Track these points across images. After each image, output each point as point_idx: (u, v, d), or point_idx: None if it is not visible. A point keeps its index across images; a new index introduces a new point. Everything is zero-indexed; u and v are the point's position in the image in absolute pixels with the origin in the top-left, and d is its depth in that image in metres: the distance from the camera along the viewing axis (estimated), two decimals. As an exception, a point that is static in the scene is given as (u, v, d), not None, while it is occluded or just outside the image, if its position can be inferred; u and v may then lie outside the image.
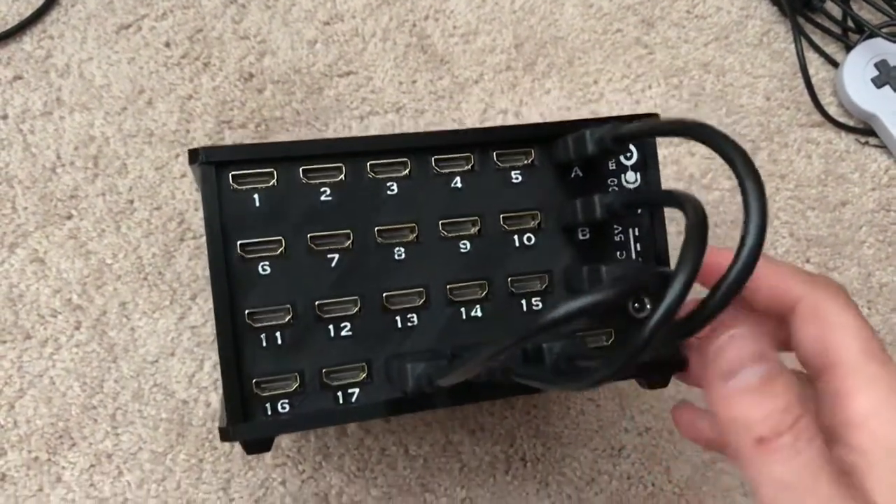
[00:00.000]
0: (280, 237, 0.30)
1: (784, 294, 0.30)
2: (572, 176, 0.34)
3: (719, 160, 0.52)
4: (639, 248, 0.34)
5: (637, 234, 0.34)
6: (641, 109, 0.53)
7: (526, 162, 0.33)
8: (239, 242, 0.30)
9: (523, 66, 0.52)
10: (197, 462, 0.43)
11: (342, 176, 0.31)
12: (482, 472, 0.45)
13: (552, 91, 0.52)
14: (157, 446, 0.42)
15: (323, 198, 0.31)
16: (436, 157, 0.32)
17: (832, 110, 0.55)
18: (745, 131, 0.54)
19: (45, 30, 0.47)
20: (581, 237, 0.34)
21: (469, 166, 0.33)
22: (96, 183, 0.45)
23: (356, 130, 0.49)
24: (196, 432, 0.43)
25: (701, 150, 0.53)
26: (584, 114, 0.52)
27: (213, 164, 0.29)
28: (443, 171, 0.32)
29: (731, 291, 0.22)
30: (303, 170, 0.31)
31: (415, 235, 0.32)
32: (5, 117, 0.45)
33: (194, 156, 0.29)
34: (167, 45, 0.47)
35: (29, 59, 0.46)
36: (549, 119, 0.51)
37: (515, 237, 0.33)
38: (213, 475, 0.42)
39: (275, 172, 0.30)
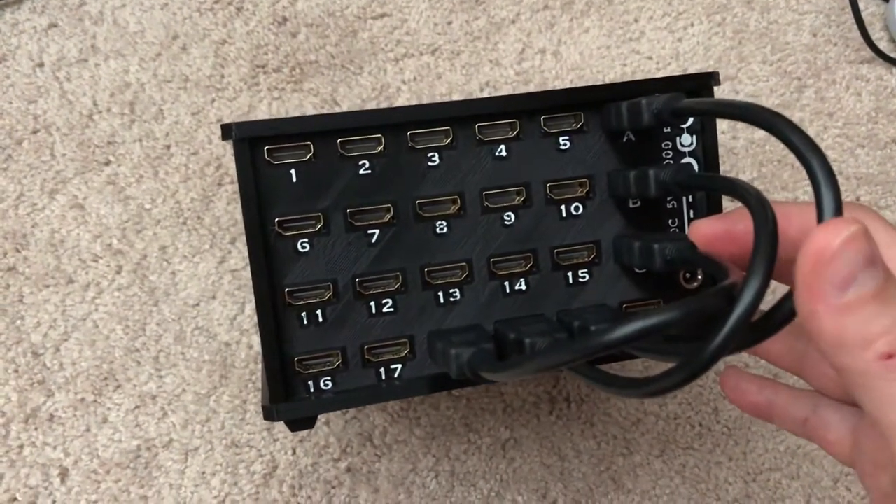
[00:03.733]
0: (318, 213, 0.29)
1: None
2: (624, 140, 0.32)
3: (765, 99, 0.51)
4: (692, 216, 0.32)
5: (691, 200, 0.33)
6: (683, 48, 0.51)
7: (575, 127, 0.31)
8: (276, 219, 0.29)
9: (561, 4, 0.50)
10: (241, 403, 0.43)
11: (381, 147, 0.30)
12: (526, 413, 0.45)
13: (591, 30, 0.51)
14: (201, 388, 0.43)
15: (362, 171, 0.30)
16: (479, 124, 0.30)
17: (883, 45, 0.53)
18: (790, 69, 0.52)
19: (79, -24, 0.46)
20: (632, 205, 0.32)
21: (514, 133, 0.31)
22: (133, 129, 0.45)
23: (391, 73, 0.48)
24: (239, 374, 0.43)
25: (746, 88, 0.52)
26: (624, 52, 0.51)
27: (246, 139, 0.28)
28: (486, 139, 0.31)
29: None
30: (340, 142, 0.29)
31: (457, 207, 0.30)
32: (41, 65, 0.45)
33: (227, 131, 0.28)
34: (200, -11, 0.47)
35: (63, 6, 0.46)
36: (588, 59, 0.50)
37: (562, 207, 0.31)
38: (256, 416, 0.42)
39: (311, 146, 0.29)
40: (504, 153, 0.31)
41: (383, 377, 0.30)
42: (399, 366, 0.31)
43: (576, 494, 0.45)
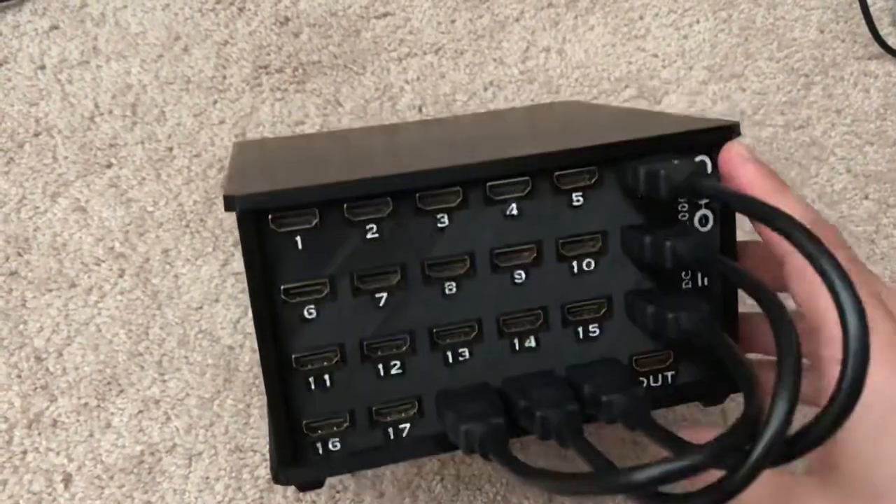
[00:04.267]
0: (325, 279, 0.28)
1: (776, 246, 0.28)
2: (639, 196, 0.30)
3: (772, 97, 0.51)
4: (706, 281, 0.32)
5: None
6: (689, 45, 0.51)
7: (589, 182, 0.30)
8: (282, 287, 0.28)
9: (566, 2, 0.50)
10: (244, 407, 0.42)
11: (389, 210, 0.29)
12: (532, 416, 0.45)
13: (596, 28, 0.50)
14: (205, 392, 0.42)
15: (369, 235, 0.29)
16: (490, 183, 0.29)
17: (891, 41, 0.52)
18: (797, 65, 0.52)
19: (79, -22, 0.46)
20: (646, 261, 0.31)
21: (526, 191, 0.30)
22: (135, 131, 0.45)
23: (394, 73, 0.48)
24: (243, 378, 0.43)
25: (752, 86, 0.51)
26: (629, 50, 0.50)
27: (250, 211, 0.27)
28: (497, 198, 0.30)
29: (838, 421, 0.20)
30: (346, 207, 0.28)
31: (467, 268, 0.30)
32: (43, 67, 0.45)
33: (230, 203, 0.27)
34: (201, -10, 0.47)
35: (64, 8, 0.46)
36: (593, 57, 0.50)
37: (574, 263, 0.30)
38: (260, 420, 0.42)
39: (317, 212, 0.28)
40: (515, 212, 0.30)
41: (391, 437, 0.30)
42: (407, 426, 0.30)
43: (582, 498, 0.44)
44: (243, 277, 0.43)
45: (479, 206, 0.30)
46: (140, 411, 0.42)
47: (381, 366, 0.30)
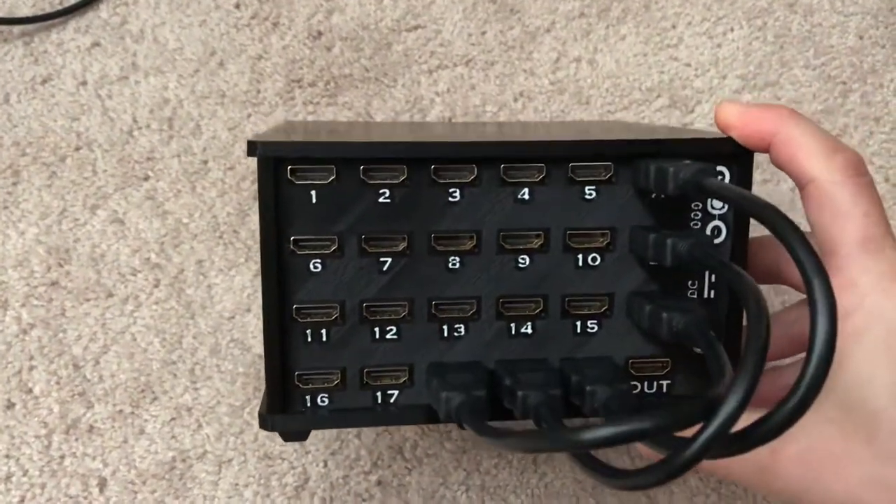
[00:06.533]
0: (334, 235, 0.29)
1: (800, 171, 0.29)
2: (653, 197, 0.31)
3: (808, 105, 0.50)
4: (713, 280, 0.31)
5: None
6: (723, 54, 0.50)
7: (603, 177, 0.30)
8: (292, 237, 0.29)
9: (597, 12, 0.50)
10: (273, 415, 0.43)
11: (403, 178, 0.29)
12: (559, 428, 0.44)
13: (627, 37, 0.50)
14: (235, 400, 0.43)
15: (381, 199, 0.30)
16: (505, 165, 0.30)
17: (933, 47, 0.51)
18: (835, 73, 0.51)
19: (120, -4, 0.48)
20: (651, 262, 0.31)
21: (540, 177, 0.30)
22: (171, 144, 0.46)
23: (425, 85, 0.48)
24: (272, 386, 0.43)
25: (788, 94, 0.50)
26: (661, 59, 0.50)
27: (271, 158, 0.28)
28: (511, 180, 0.30)
29: (797, 412, 0.20)
30: (363, 169, 0.29)
31: (473, 245, 0.30)
32: (84, 83, 0.46)
33: (252, 148, 0.28)
34: (237, 6, 0.48)
35: (105, 26, 0.47)
36: (624, 67, 0.50)
37: (580, 256, 0.31)
38: (289, 428, 0.43)
39: (334, 169, 0.29)
40: (527, 196, 0.30)
41: (379, 401, 0.31)
42: (396, 392, 0.31)
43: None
44: (274, 288, 0.44)
45: (492, 185, 0.30)
46: (173, 418, 0.43)
47: (377, 329, 0.30)
